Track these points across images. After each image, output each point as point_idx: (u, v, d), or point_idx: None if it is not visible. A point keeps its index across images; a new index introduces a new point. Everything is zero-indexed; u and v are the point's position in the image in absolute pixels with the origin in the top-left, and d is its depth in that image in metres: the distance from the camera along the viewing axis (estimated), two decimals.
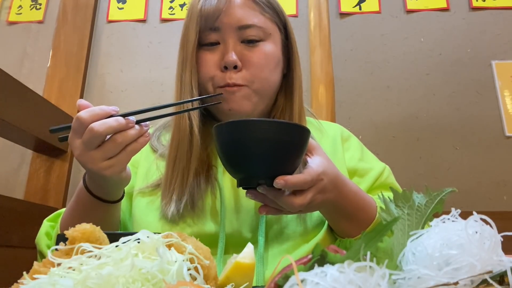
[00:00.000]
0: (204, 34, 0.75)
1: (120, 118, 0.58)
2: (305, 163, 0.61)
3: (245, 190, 0.61)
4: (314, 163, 0.60)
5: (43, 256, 0.74)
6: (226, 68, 0.74)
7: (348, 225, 0.69)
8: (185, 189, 0.72)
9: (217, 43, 0.76)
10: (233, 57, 0.73)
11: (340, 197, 0.65)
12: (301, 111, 0.81)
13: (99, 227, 0.39)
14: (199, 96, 0.75)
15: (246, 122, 0.55)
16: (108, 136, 0.58)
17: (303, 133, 0.57)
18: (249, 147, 0.55)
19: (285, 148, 0.55)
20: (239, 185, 0.59)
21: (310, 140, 0.62)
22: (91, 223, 0.38)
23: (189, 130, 0.74)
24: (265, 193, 0.58)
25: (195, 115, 0.74)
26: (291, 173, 0.57)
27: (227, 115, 0.76)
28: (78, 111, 0.59)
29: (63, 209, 0.77)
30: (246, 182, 0.58)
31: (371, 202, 0.71)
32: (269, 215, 0.64)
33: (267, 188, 0.57)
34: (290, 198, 0.57)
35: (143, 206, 0.76)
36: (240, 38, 0.75)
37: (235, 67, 0.73)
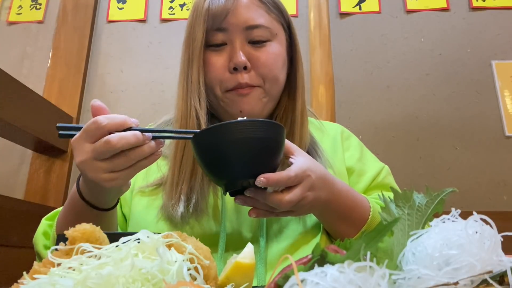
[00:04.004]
0: (210, 34, 0.74)
1: (139, 133, 0.55)
2: (289, 165, 0.60)
3: (234, 197, 0.60)
4: (297, 162, 0.60)
5: (40, 256, 0.73)
6: (235, 69, 0.73)
7: (343, 225, 0.69)
8: (193, 190, 0.71)
9: (223, 44, 0.75)
10: (242, 58, 0.72)
11: (333, 196, 0.65)
12: (304, 111, 0.80)
13: (99, 227, 0.38)
14: (206, 94, 0.74)
15: (220, 126, 0.55)
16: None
17: (277, 129, 0.58)
18: (226, 149, 0.55)
19: (262, 145, 0.56)
20: (225, 191, 0.59)
21: (289, 142, 0.63)
22: (90, 223, 0.38)
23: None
24: (253, 196, 0.57)
25: (203, 114, 0.73)
26: (273, 171, 0.57)
27: (237, 116, 0.76)
28: (93, 112, 0.56)
29: (61, 208, 0.77)
30: (231, 186, 0.58)
31: (363, 201, 0.71)
32: (260, 217, 0.62)
33: (254, 190, 0.57)
34: (278, 195, 0.57)
35: (143, 206, 0.76)
36: (247, 38, 0.75)
37: (245, 68, 0.73)
